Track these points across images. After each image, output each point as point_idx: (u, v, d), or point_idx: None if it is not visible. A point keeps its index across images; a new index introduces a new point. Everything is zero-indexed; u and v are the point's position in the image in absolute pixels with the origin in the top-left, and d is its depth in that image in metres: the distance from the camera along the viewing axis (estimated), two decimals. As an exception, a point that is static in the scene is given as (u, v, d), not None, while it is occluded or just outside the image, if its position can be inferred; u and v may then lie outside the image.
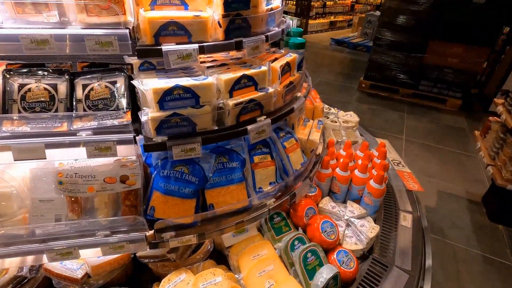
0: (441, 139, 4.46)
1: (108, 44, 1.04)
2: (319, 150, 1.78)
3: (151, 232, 1.19)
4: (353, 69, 7.42)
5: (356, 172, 1.74)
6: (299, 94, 1.65)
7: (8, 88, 1.07)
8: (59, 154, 1.13)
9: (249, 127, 1.27)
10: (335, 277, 1.28)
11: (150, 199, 1.24)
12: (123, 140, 1.10)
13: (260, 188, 1.45)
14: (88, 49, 1.03)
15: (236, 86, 1.24)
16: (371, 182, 1.67)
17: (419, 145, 4.30)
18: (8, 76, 1.08)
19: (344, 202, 1.84)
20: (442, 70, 5.28)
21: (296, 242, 1.43)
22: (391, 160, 2.35)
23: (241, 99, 1.24)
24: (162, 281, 1.22)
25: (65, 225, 1.14)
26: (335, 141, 1.97)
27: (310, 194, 1.70)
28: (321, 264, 1.36)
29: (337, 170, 1.75)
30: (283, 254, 1.41)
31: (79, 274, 1.21)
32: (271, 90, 1.34)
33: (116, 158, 1.21)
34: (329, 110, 2.70)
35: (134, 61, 1.25)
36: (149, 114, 1.11)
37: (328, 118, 2.49)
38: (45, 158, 1.05)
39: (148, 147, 1.14)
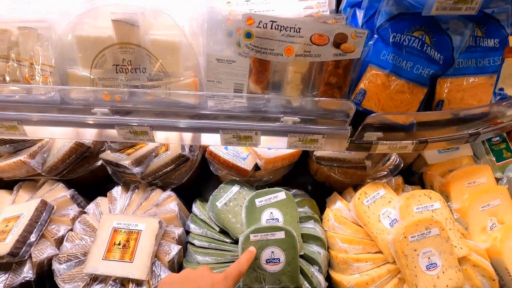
0: None
1: None
2: None
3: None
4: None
5: None
6: None
7: None
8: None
9: None
10: None
11: (361, 78, 0.83)
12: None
13: (501, 89, 0.93)
14: None
15: None
16: None
17: None
18: None
19: None
20: None
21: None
22: None
23: None
24: (357, 193, 0.91)
25: (245, 99, 0.82)
26: None
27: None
28: None
29: None
30: None
31: (249, 165, 0.95)
32: None
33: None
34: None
35: None
36: None
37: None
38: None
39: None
